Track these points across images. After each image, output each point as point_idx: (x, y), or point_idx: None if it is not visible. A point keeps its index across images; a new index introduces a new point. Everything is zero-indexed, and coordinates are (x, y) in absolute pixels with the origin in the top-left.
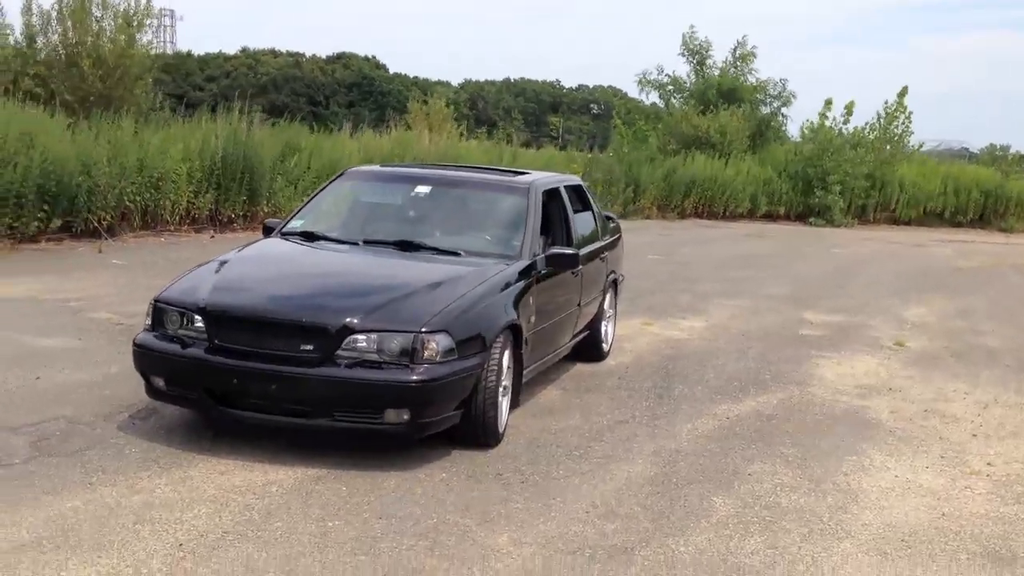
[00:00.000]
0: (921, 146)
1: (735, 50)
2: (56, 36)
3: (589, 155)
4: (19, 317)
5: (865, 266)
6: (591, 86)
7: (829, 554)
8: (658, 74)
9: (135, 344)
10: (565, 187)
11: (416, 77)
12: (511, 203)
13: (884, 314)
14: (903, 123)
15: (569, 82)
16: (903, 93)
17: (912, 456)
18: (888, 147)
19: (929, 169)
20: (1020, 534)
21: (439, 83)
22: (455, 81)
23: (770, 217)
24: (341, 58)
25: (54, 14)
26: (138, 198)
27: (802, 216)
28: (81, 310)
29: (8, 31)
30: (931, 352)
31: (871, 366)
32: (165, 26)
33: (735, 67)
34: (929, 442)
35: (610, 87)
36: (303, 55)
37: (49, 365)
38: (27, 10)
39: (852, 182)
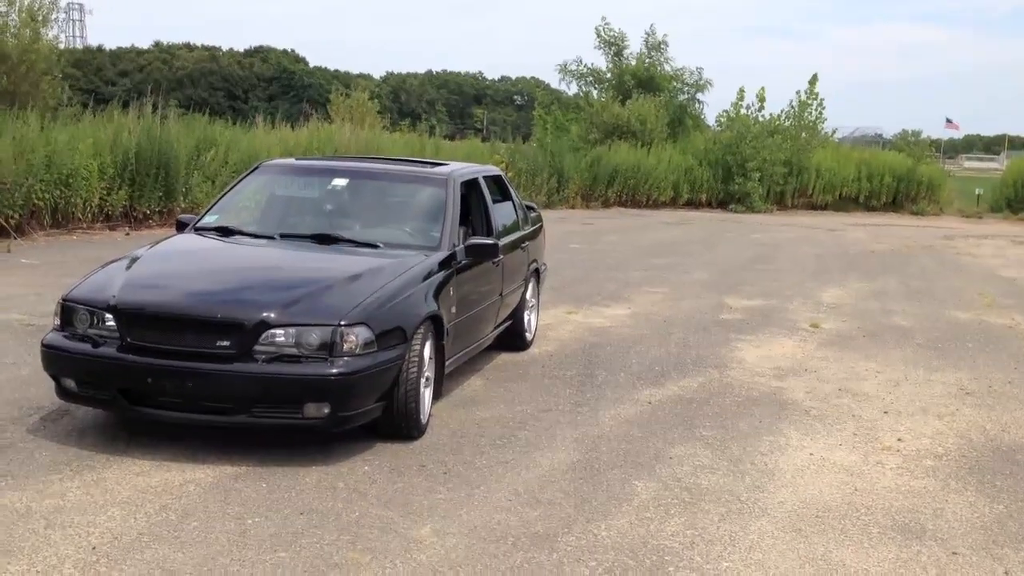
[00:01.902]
0: (834, 132)
1: (646, 40)
2: None
3: (512, 146)
4: None
5: (783, 251)
6: (514, 77)
7: (746, 532)
8: (577, 65)
9: (43, 345)
10: (484, 177)
11: (337, 70)
12: (429, 194)
13: (801, 297)
14: (816, 110)
15: (492, 74)
16: (814, 80)
17: (826, 434)
18: (804, 134)
19: (844, 155)
20: (928, 507)
21: (361, 76)
22: (377, 74)
23: (692, 204)
24: (259, 52)
25: None
26: (47, 196)
27: (723, 203)
28: None
29: None
30: (845, 333)
31: (788, 348)
32: (74, 20)
33: (649, 57)
34: (843, 420)
35: (533, 78)
36: (220, 49)
37: None
38: None
39: (770, 169)
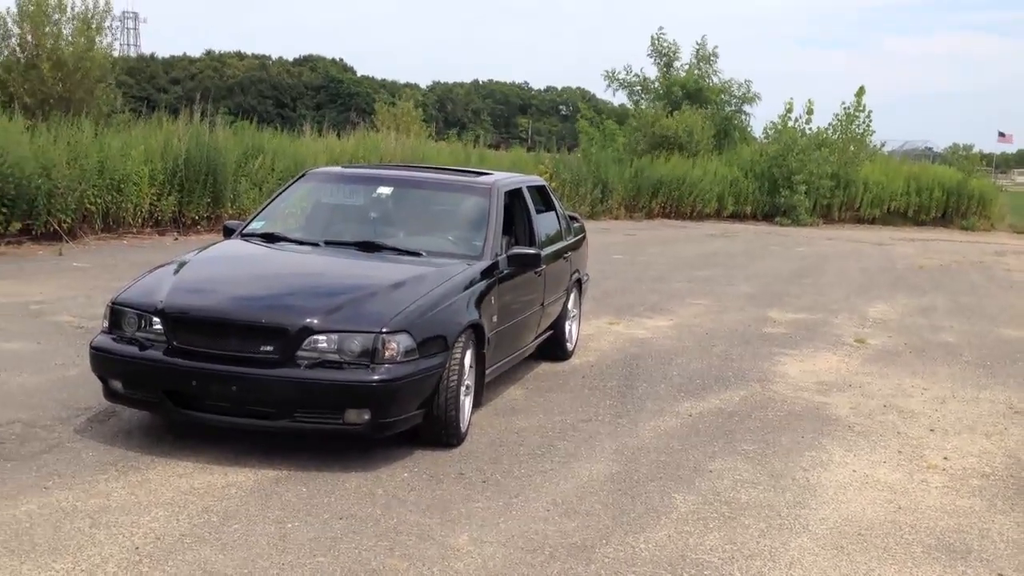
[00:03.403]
0: (883, 145)
1: (697, 51)
2: (15, 39)
3: (557, 156)
4: None
5: (829, 264)
6: (559, 88)
7: (787, 548)
8: (627, 73)
9: (92, 347)
10: (528, 187)
11: (384, 79)
12: (473, 203)
13: (847, 312)
14: (863, 123)
15: (538, 84)
16: (861, 92)
17: (870, 451)
18: (852, 147)
19: (892, 168)
20: (975, 527)
21: (407, 85)
22: (424, 83)
23: (737, 217)
24: (308, 60)
25: (10, 18)
26: (99, 200)
27: (768, 216)
28: (41, 313)
29: None
30: (891, 349)
31: (832, 363)
32: (129, 28)
33: (699, 68)
34: (887, 437)
35: (578, 88)
36: (269, 57)
37: (7, 368)
38: None
39: (817, 182)
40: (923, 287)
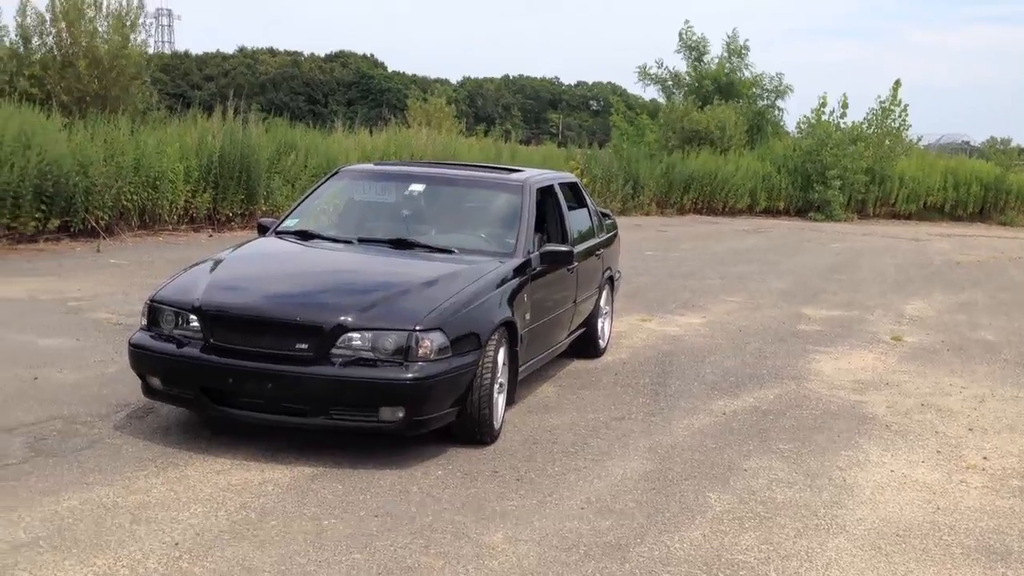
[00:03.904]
0: (919, 140)
1: (727, 44)
2: (51, 37)
3: (588, 152)
4: (17, 317)
5: (864, 260)
6: (590, 82)
7: (823, 549)
8: (658, 68)
9: (131, 344)
10: (560, 184)
11: (415, 75)
12: (505, 200)
13: (883, 309)
14: (899, 116)
15: (568, 79)
16: (897, 85)
17: (908, 450)
18: (887, 141)
19: (928, 163)
20: (1015, 528)
21: (438, 81)
22: (454, 79)
23: (770, 212)
24: (339, 56)
25: (48, 16)
26: (135, 197)
27: (802, 211)
28: (79, 310)
29: (3, 32)
30: (929, 347)
31: (868, 361)
32: (163, 26)
33: (729, 62)
34: (925, 436)
35: (609, 83)
36: (301, 54)
37: (47, 365)
38: (22, 11)
39: (852, 177)
40: (961, 283)
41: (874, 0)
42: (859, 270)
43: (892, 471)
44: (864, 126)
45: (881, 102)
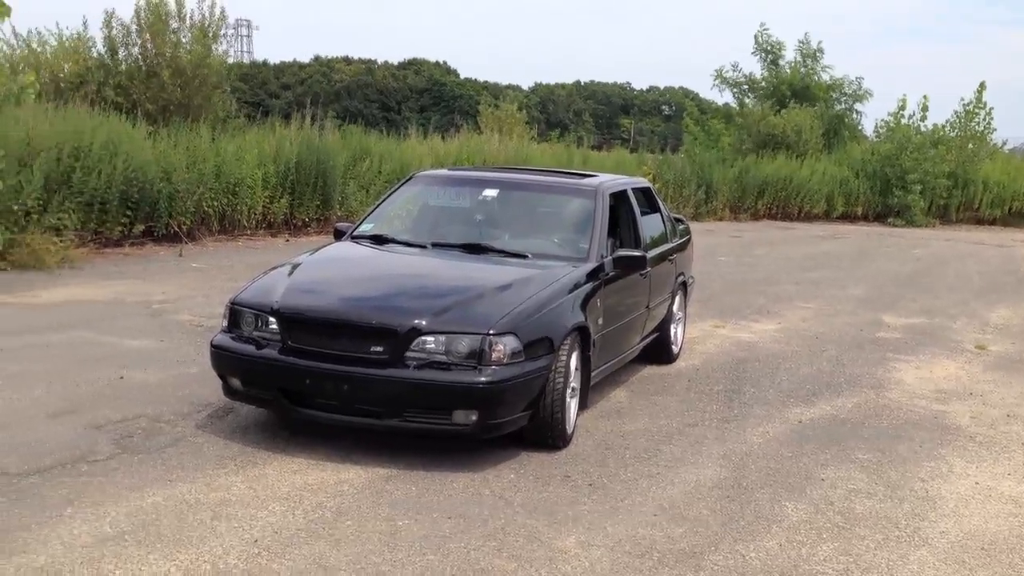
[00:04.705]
0: (1004, 143)
1: (800, 49)
2: (136, 48)
3: (660, 157)
4: (104, 319)
5: (946, 267)
6: (662, 87)
7: (905, 562)
8: (734, 71)
9: (212, 345)
10: (633, 189)
11: (486, 81)
12: (578, 205)
13: (966, 317)
14: (984, 119)
15: (640, 84)
16: (982, 88)
17: (993, 463)
18: (971, 145)
19: (1015, 167)
20: None
21: (509, 87)
22: (525, 85)
23: (847, 218)
24: (412, 64)
25: (134, 27)
26: (216, 203)
27: (880, 216)
28: (163, 312)
29: (91, 44)
30: (1015, 356)
31: (951, 370)
32: (242, 36)
33: (804, 65)
34: (1011, 448)
35: (681, 88)
36: (375, 62)
37: (132, 365)
38: (108, 23)
39: (933, 181)
40: None
41: (955, 1)
42: (941, 276)
43: (977, 483)
44: (947, 129)
45: (965, 104)
